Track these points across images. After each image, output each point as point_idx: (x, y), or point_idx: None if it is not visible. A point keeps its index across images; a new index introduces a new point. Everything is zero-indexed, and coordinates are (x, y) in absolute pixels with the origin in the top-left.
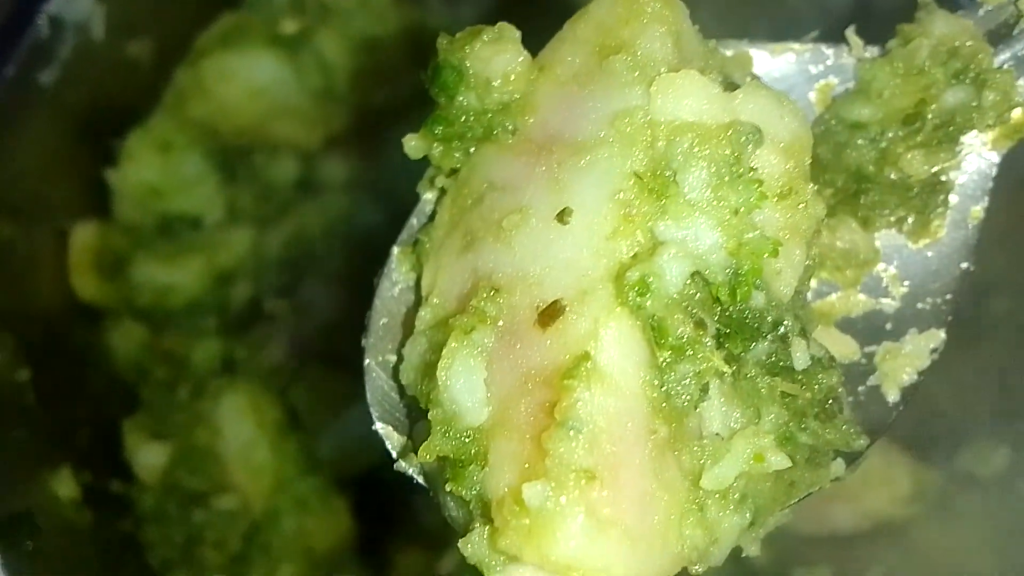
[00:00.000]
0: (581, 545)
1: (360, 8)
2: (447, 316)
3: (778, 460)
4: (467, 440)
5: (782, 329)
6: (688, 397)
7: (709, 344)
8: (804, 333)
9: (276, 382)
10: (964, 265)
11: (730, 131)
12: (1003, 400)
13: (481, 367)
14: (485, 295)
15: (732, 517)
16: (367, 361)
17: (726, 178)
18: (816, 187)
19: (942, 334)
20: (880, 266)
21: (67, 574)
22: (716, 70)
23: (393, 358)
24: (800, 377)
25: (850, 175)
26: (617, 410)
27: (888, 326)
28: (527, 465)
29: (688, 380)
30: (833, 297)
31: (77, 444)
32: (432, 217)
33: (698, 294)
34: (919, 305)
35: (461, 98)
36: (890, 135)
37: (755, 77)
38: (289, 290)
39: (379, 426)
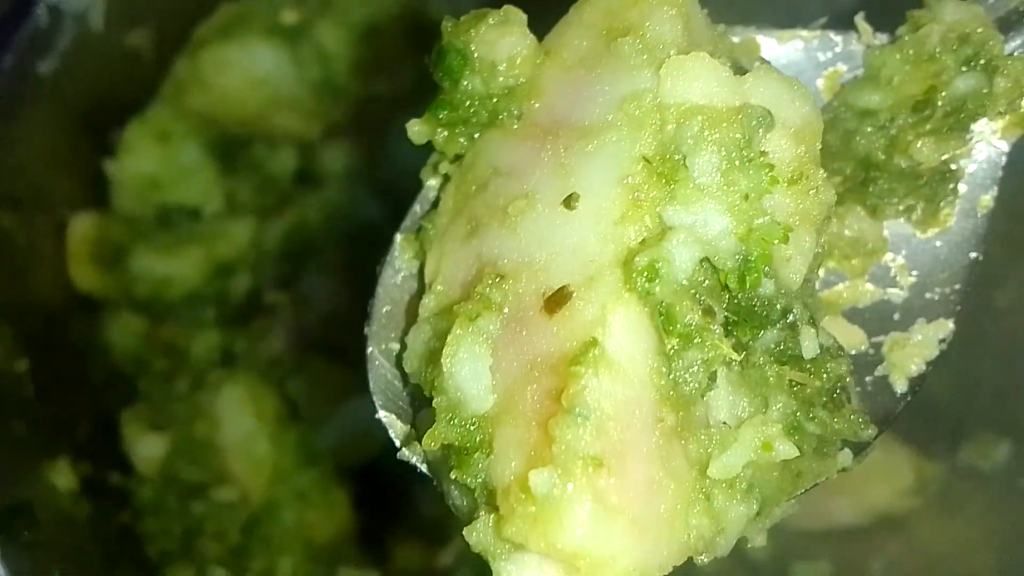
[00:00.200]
0: (588, 533)
1: None
2: (451, 303)
3: (786, 449)
4: (472, 428)
5: (791, 317)
6: (696, 385)
7: (717, 332)
8: (813, 321)
9: (275, 374)
10: (973, 255)
11: (741, 115)
12: (1004, 394)
13: (486, 354)
14: (490, 282)
15: (739, 507)
16: (370, 349)
17: (736, 162)
18: (825, 174)
19: (951, 324)
20: (888, 255)
21: (65, 565)
22: (725, 55)
23: (396, 346)
24: (808, 366)
25: (859, 163)
26: (625, 397)
27: (896, 316)
28: (533, 452)
29: (696, 368)
30: (841, 286)
31: (76, 436)
32: (436, 204)
33: (707, 281)
34: (927, 295)
35: (466, 82)
36: (899, 122)
37: (764, 61)
38: (288, 282)
39: (382, 415)
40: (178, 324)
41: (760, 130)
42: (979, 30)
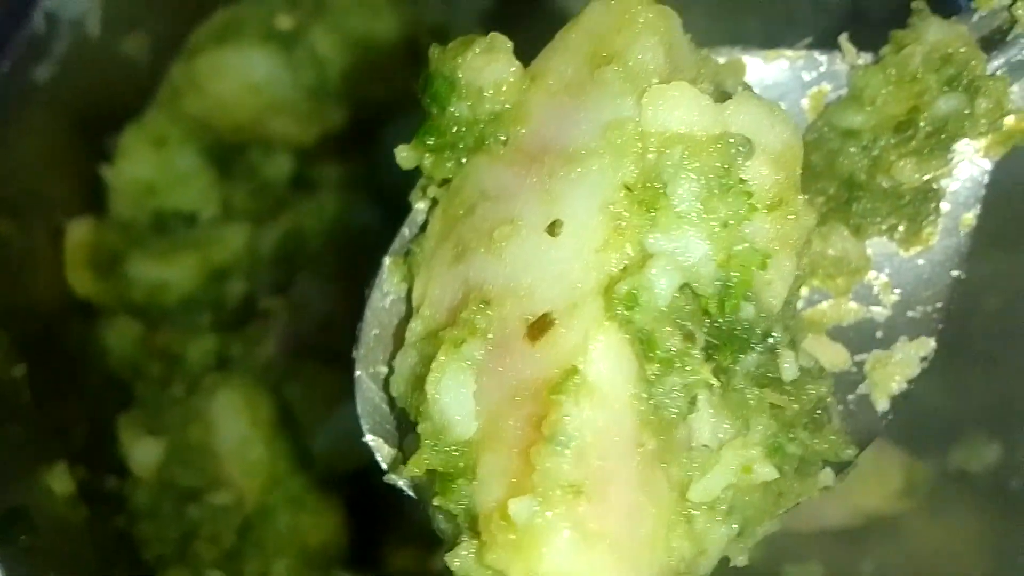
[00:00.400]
0: (567, 560)
1: (355, 4)
2: (437, 328)
3: (766, 471)
4: (456, 454)
5: (771, 340)
6: (676, 409)
7: (698, 356)
8: (793, 344)
9: (270, 379)
10: (955, 273)
11: (720, 143)
12: (994, 396)
13: (471, 380)
14: (475, 307)
15: (720, 528)
16: (358, 373)
17: (716, 190)
18: (806, 197)
19: (932, 342)
20: (871, 274)
21: (62, 570)
22: (708, 79)
23: (384, 369)
24: (789, 388)
25: (842, 183)
26: (605, 424)
27: (879, 334)
28: (515, 480)
29: (676, 392)
30: (824, 305)
31: (72, 440)
32: (424, 228)
33: (687, 306)
34: (909, 313)
35: (453, 108)
36: (882, 143)
37: (747, 86)
38: (283, 287)
39: (369, 438)
40: (174, 329)
41: (739, 158)
42: (962, 50)
